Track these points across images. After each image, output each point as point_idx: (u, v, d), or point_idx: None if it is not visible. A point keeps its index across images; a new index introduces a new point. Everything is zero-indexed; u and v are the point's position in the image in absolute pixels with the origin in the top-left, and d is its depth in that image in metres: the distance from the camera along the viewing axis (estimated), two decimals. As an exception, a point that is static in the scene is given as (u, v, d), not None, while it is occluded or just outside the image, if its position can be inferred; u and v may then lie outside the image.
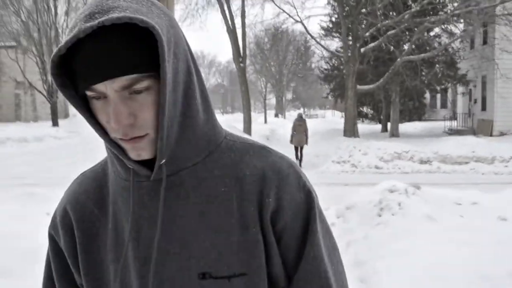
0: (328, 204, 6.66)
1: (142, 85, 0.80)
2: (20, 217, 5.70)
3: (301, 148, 15.45)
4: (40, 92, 31.63)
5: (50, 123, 31.25)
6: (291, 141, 15.70)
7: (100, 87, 0.79)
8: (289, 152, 15.90)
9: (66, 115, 39.72)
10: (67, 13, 32.52)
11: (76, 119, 38.89)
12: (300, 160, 15.29)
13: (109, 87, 0.79)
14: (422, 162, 14.68)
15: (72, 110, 43.23)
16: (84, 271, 0.96)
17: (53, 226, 1.02)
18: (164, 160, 0.86)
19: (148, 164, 0.88)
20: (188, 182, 0.90)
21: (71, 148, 20.07)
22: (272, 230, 0.91)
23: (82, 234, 0.97)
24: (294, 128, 15.49)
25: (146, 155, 0.85)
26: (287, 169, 0.94)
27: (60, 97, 34.60)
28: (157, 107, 0.82)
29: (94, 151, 17.64)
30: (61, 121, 32.28)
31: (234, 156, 0.94)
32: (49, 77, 30.72)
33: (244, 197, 0.91)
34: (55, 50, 0.79)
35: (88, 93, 0.82)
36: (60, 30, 31.92)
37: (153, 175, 0.88)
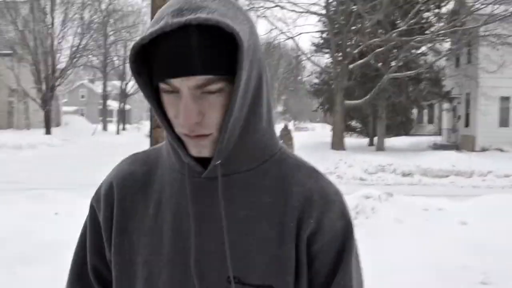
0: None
1: (215, 87, 0.82)
2: (33, 216, 6.29)
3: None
4: (34, 100, 31.87)
5: (42, 130, 31.30)
6: None
7: (176, 82, 0.81)
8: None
9: (58, 124, 40.00)
10: (63, 23, 33.02)
11: (68, 127, 38.92)
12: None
13: (184, 84, 0.81)
14: (404, 174, 15.36)
15: (65, 118, 43.31)
16: (116, 250, 0.97)
17: (96, 198, 1.03)
18: (219, 161, 0.88)
19: (202, 162, 0.90)
20: (237, 187, 0.91)
21: (66, 155, 20.49)
22: (307, 251, 0.91)
23: (122, 212, 0.98)
24: (281, 137, 16.36)
25: (206, 153, 0.87)
26: (334, 196, 0.94)
27: (53, 105, 34.93)
28: (225, 108, 0.84)
29: (89, 159, 18.16)
30: (53, 129, 32.58)
31: (285, 170, 0.95)
32: (44, 86, 31.33)
33: (287, 211, 0.91)
34: (137, 39, 0.82)
35: (162, 86, 0.84)
36: (55, 41, 32.37)
37: (206, 173, 0.90)
